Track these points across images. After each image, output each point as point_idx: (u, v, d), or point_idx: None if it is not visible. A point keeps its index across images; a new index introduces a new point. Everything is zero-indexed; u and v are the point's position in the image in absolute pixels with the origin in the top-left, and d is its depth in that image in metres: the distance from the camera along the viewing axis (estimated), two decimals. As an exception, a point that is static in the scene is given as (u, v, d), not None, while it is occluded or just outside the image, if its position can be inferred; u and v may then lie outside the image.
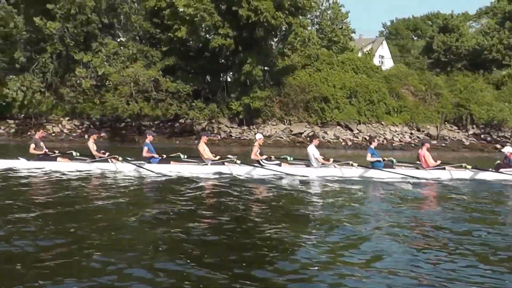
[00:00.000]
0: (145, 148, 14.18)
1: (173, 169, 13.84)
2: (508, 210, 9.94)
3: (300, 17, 33.20)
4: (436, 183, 13.46)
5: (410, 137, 34.35)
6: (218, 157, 14.20)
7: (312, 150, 14.30)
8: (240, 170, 13.76)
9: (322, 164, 14.15)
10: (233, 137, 33.53)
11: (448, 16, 45.98)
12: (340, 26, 43.60)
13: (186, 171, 13.85)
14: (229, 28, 30.94)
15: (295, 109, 34.59)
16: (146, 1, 33.00)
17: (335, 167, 14.13)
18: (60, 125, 34.19)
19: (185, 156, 14.72)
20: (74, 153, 14.42)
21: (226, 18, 31.16)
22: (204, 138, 14.53)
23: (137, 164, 13.95)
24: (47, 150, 14.43)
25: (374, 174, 13.84)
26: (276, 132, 33.81)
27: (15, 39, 31.75)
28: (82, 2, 30.88)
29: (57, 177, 12.78)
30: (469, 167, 13.96)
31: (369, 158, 14.02)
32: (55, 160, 14.28)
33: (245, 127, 34.14)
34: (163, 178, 13.13)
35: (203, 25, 31.12)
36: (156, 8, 32.99)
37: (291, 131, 33.90)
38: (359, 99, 34.58)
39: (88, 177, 13.03)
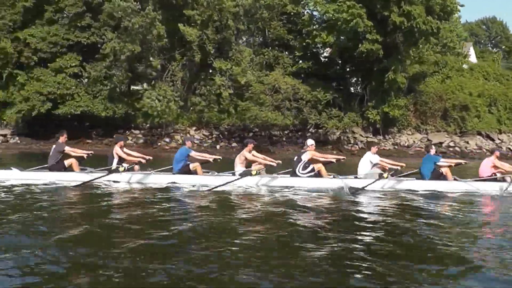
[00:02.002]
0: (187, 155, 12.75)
1: (202, 182, 12.10)
2: None
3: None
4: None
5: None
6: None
7: (370, 158, 12.73)
8: (275, 181, 12.40)
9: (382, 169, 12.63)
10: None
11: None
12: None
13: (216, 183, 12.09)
14: (377, 34, 29.60)
15: (432, 118, 33.18)
16: (283, 6, 31.72)
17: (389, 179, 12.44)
18: (188, 135, 32.87)
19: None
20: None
21: (373, 23, 29.83)
22: (250, 146, 12.85)
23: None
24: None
25: (439, 186, 12.29)
26: (414, 142, 32.40)
27: (150, 46, 30.53)
28: (223, 8, 29.65)
29: (51, 188, 11.40)
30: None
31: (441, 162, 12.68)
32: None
33: (381, 137, 32.74)
34: (185, 190, 11.62)
35: (352, 30, 29.60)
36: (292, 13, 31.77)
37: (429, 140, 32.45)
38: (499, 107, 33.09)
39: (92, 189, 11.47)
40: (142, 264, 5.36)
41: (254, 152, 12.99)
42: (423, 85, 33.89)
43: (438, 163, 12.59)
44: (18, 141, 32.38)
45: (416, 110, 33.26)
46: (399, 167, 12.83)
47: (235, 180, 12.13)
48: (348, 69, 33.46)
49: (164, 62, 31.52)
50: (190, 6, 30.72)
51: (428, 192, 12.06)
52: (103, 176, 12.44)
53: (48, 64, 31.50)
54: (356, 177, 12.76)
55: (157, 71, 31.18)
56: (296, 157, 12.75)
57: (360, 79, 32.82)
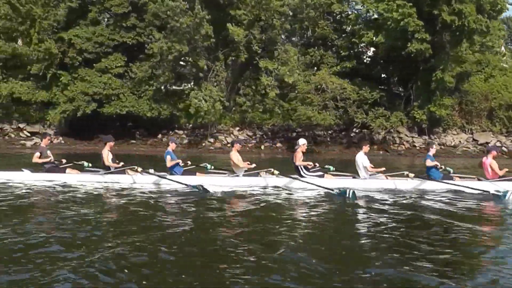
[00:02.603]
0: (168, 157, 12.43)
1: (200, 181, 11.87)
2: None
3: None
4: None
5: None
6: (254, 165, 12.47)
7: (360, 158, 12.58)
8: (277, 182, 12.17)
9: (372, 173, 12.51)
10: (416, 147, 31.79)
11: None
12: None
13: (215, 183, 12.09)
14: (425, 33, 29.29)
15: (477, 118, 32.84)
16: (330, 6, 31.49)
17: (386, 178, 12.53)
18: (232, 135, 32.72)
19: (212, 167, 13.04)
20: (85, 164, 12.62)
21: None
22: (237, 146, 12.86)
23: (159, 176, 12.26)
24: (52, 158, 12.69)
25: (431, 186, 12.13)
26: (460, 142, 32.08)
27: (196, 46, 30.36)
28: (270, 7, 29.47)
29: (65, 190, 11.13)
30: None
31: (428, 163, 12.35)
32: (64, 172, 12.58)
33: (426, 137, 32.43)
34: (186, 191, 11.35)
35: (401, 30, 29.31)
36: (337, 12, 31.54)
37: (475, 140, 32.15)
38: (545, 106, 32.70)
39: (101, 191, 11.36)
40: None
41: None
42: (467, 84, 33.53)
43: (426, 161, 12.48)
44: (62, 141, 32.33)
45: (461, 109, 32.91)
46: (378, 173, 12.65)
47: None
48: (392, 68, 33.13)
49: (209, 62, 31.35)
50: (235, 5, 30.60)
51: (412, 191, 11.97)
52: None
53: (94, 65, 31.42)
54: (354, 177, 12.69)
55: (203, 71, 31.00)
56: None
57: (404, 78, 32.46)
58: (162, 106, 31.49)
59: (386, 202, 10.43)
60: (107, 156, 12.38)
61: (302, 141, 12.87)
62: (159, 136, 32.67)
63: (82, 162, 12.77)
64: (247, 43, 30.21)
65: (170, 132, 33.07)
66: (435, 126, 32.61)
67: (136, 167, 12.26)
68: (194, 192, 11.24)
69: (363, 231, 7.65)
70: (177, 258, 5.79)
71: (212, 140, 32.10)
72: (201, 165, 13.38)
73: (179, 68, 31.74)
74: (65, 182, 12.04)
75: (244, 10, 29.95)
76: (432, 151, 12.76)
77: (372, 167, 12.51)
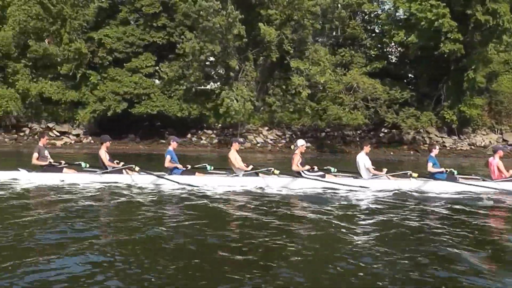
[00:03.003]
0: (168, 157, 11.95)
1: (199, 182, 11.66)
2: None
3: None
4: (508, 197, 11.21)
5: None
6: (251, 167, 12.04)
7: (362, 159, 12.19)
8: (277, 182, 11.78)
9: (374, 175, 12.12)
10: (447, 148, 31.73)
11: None
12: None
13: (213, 183, 11.76)
14: (458, 33, 29.21)
15: (507, 118, 32.77)
16: (360, 5, 31.43)
17: (389, 178, 12.13)
18: (261, 135, 32.71)
19: (212, 167, 12.53)
20: (82, 164, 12.16)
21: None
22: (235, 145, 12.32)
23: (157, 175, 11.86)
24: (52, 160, 12.26)
25: (435, 187, 11.67)
26: (490, 142, 31.97)
27: (227, 46, 30.34)
28: (302, 7, 29.43)
29: (61, 190, 10.85)
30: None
31: (430, 168, 11.88)
32: (61, 171, 12.14)
33: (456, 137, 32.37)
34: (186, 191, 11.03)
35: (434, 30, 29.24)
36: (367, 12, 31.47)
37: (505, 140, 32.06)
38: None
39: (99, 191, 11.02)
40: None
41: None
42: (496, 84, 33.45)
43: (428, 164, 12.01)
44: (92, 141, 32.35)
45: (491, 109, 32.84)
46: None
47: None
48: (421, 68, 33.04)
49: (239, 62, 31.34)
50: (265, 5, 30.58)
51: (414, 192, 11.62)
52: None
53: (124, 64, 31.45)
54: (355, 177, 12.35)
55: (234, 71, 30.99)
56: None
57: (434, 78, 32.39)
58: (192, 106, 31.49)
59: (388, 203, 10.09)
60: (104, 156, 12.12)
61: (300, 142, 12.37)
62: (188, 135, 32.68)
63: (80, 162, 12.37)
64: (279, 43, 30.18)
65: (199, 131, 33.10)
66: (465, 126, 32.54)
67: (134, 166, 11.99)
68: (192, 192, 10.94)
69: (364, 231, 7.49)
70: (175, 259, 5.67)
71: (241, 139, 32.07)
72: (200, 165, 12.95)
73: (208, 68, 31.68)
74: (62, 181, 11.75)
75: (276, 9, 29.92)
76: (434, 152, 12.34)
77: (374, 169, 12.18)
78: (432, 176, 11.97)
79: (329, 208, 9.27)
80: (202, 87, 33.66)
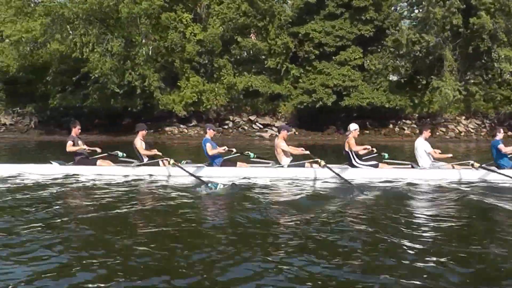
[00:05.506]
0: (208, 145, 11.36)
1: (241, 173, 11.20)
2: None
3: None
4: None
5: None
6: (305, 150, 11.32)
7: (421, 145, 11.38)
8: (324, 173, 11.03)
9: (437, 159, 11.33)
10: None
11: None
12: None
13: (258, 174, 11.21)
14: None
15: None
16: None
17: (453, 167, 11.25)
18: (461, 124, 33.28)
19: (255, 155, 11.95)
20: (119, 154, 11.72)
21: None
22: (283, 133, 11.62)
23: (190, 173, 10.84)
24: (86, 147, 11.93)
25: (499, 177, 10.67)
26: None
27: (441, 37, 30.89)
28: None
29: (93, 185, 10.36)
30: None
31: (501, 147, 10.95)
32: (94, 164, 11.81)
33: None
34: (226, 183, 10.14)
35: None
36: None
37: None
38: None
39: (131, 185, 10.42)
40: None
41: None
42: None
43: (498, 147, 11.10)
44: (296, 133, 33.48)
45: None
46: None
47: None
48: None
49: (451, 53, 31.70)
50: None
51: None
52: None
53: (333, 57, 32.37)
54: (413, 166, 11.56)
55: (443, 62, 31.55)
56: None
57: None
58: (397, 97, 32.21)
59: (447, 196, 9.19)
60: (140, 145, 11.70)
61: (353, 126, 11.50)
62: (390, 126, 33.50)
63: (116, 152, 11.87)
64: (490, 32, 30.59)
65: (399, 122, 33.83)
66: None
67: (168, 159, 11.43)
68: (227, 186, 9.93)
69: (418, 226, 6.88)
70: (211, 256, 5.44)
71: (444, 129, 32.77)
72: (243, 153, 12.33)
73: (419, 59, 32.34)
74: (94, 175, 11.40)
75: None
76: (499, 136, 11.35)
77: (437, 153, 11.44)
78: (498, 164, 11.12)
79: (382, 201, 8.66)
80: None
